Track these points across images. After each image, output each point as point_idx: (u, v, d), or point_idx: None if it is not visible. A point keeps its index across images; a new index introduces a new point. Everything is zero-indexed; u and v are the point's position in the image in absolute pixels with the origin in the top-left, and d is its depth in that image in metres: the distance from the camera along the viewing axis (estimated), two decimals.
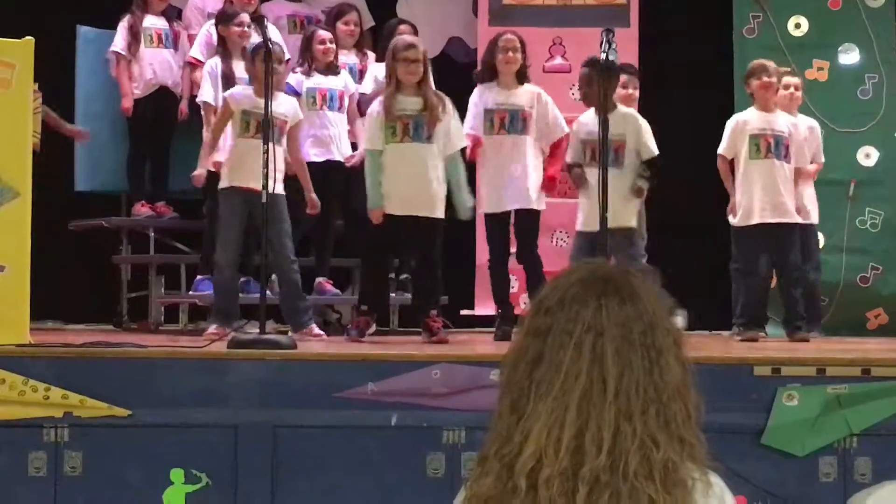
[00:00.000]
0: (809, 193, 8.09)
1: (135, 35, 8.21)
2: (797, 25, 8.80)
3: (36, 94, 6.29)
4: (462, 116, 7.37)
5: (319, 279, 7.92)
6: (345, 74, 7.93)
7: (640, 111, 7.62)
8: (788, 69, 8.34)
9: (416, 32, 8.16)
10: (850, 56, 8.78)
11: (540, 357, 1.94)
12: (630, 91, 7.68)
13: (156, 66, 8.25)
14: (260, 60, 6.89)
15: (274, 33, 7.60)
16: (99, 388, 5.45)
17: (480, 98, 7.32)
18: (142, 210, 8.30)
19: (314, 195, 7.30)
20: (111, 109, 8.37)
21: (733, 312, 7.70)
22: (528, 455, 1.91)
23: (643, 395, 1.92)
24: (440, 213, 6.94)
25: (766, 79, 7.68)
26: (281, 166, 6.93)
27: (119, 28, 8.24)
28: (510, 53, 7.27)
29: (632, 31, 8.48)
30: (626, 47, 7.95)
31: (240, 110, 7.06)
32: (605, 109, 6.34)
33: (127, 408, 5.43)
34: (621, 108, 7.29)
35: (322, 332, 7.13)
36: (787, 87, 8.08)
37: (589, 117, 7.25)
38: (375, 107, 7.04)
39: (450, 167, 6.98)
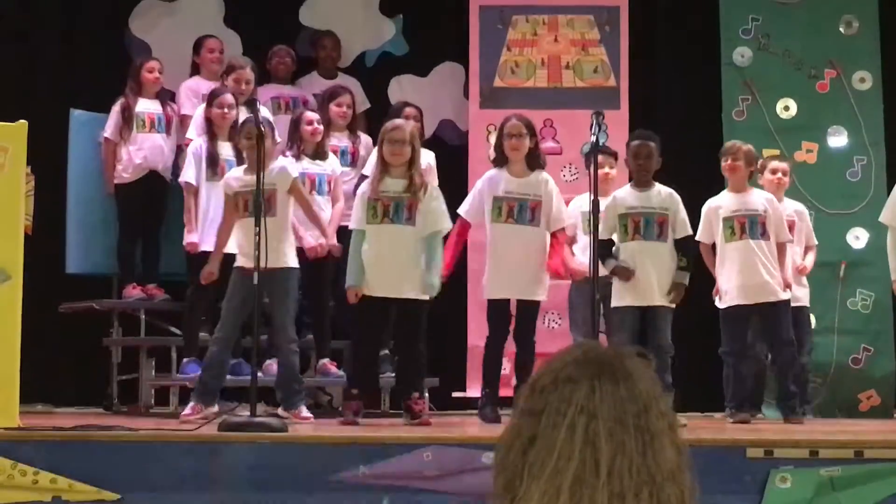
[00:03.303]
0: (800, 277, 8.10)
1: (127, 120, 8.23)
2: (786, 108, 8.85)
3: (29, 176, 6.30)
4: (455, 197, 7.37)
5: (323, 360, 7.87)
6: (332, 159, 7.93)
7: None
8: (777, 153, 8.35)
9: (421, 115, 8.17)
10: (838, 138, 8.83)
11: (533, 438, 1.93)
12: (607, 170, 7.71)
13: (146, 150, 8.25)
14: (244, 137, 6.94)
15: (266, 114, 7.60)
16: (88, 471, 5.41)
17: (489, 184, 7.31)
18: (132, 292, 8.27)
19: (333, 240, 7.56)
20: (103, 192, 8.39)
21: (725, 395, 7.64)
22: None
23: (636, 478, 1.90)
24: (420, 294, 6.89)
25: (731, 161, 7.63)
26: (284, 237, 6.88)
27: (111, 112, 8.27)
28: (514, 140, 7.26)
29: (622, 113, 8.56)
30: (616, 130, 8.01)
31: (233, 192, 7.07)
32: (596, 190, 6.52)
33: (116, 492, 5.39)
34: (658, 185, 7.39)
35: (310, 416, 7.05)
36: (774, 171, 8.08)
37: (625, 191, 7.37)
38: (364, 187, 7.07)
39: (426, 247, 6.92)
